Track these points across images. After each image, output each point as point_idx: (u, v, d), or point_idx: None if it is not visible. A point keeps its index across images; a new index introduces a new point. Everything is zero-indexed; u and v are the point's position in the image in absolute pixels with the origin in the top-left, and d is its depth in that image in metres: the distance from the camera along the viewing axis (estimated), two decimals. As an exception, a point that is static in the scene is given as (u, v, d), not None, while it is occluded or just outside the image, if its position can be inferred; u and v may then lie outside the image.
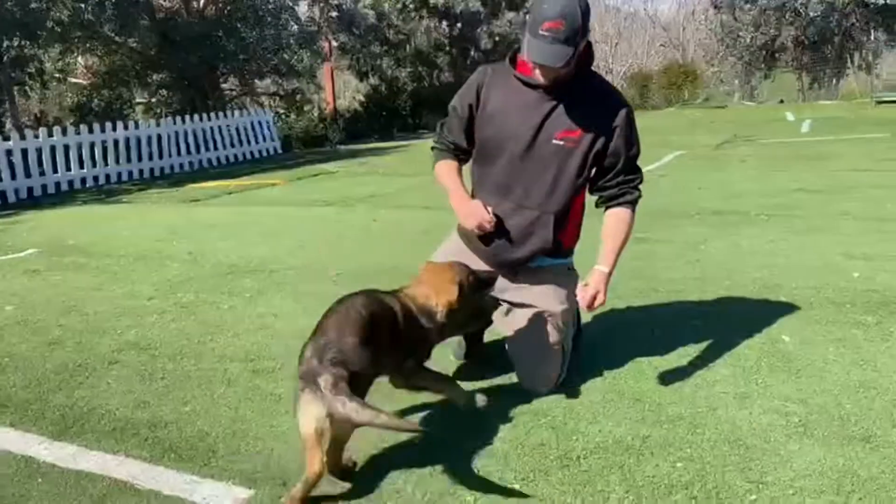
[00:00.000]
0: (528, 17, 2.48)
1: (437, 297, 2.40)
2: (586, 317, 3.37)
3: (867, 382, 2.72)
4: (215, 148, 13.81)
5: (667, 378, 2.84)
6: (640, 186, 2.75)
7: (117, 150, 11.97)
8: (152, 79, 17.63)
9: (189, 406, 2.83)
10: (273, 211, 7.93)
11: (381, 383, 2.36)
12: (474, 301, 2.53)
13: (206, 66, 16.34)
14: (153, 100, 18.18)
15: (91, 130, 11.68)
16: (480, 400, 2.34)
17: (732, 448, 2.31)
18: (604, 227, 2.73)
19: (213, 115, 13.99)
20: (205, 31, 15.98)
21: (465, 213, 2.70)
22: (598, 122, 2.63)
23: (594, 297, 2.56)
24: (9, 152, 10.41)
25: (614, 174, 2.69)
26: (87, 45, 16.05)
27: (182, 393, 2.96)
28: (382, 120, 20.16)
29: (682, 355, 3.07)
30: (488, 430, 2.47)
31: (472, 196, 2.80)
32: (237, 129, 14.35)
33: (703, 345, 3.17)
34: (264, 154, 14.78)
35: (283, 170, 12.08)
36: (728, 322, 3.46)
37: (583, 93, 2.63)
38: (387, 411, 2.06)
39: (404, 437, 2.46)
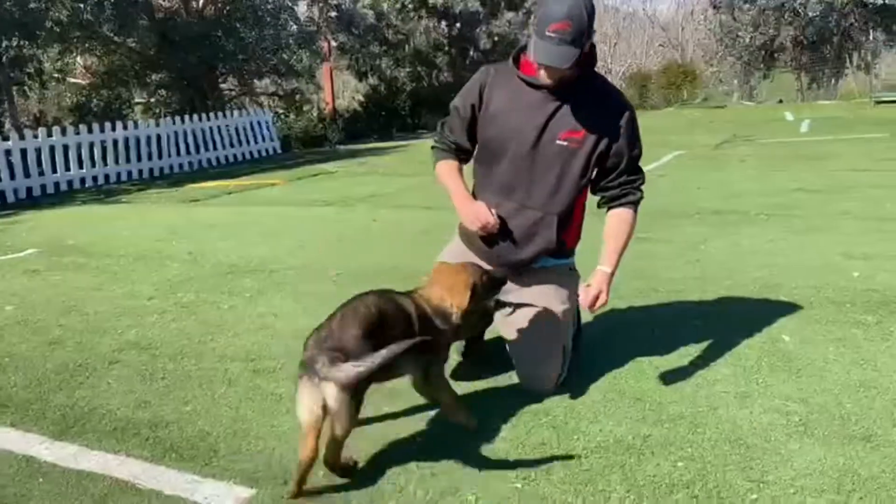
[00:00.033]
0: (533, 18, 2.48)
1: (452, 298, 2.40)
2: (587, 316, 3.37)
3: (867, 382, 2.73)
4: (214, 148, 13.81)
5: (667, 377, 2.85)
6: (642, 187, 2.76)
7: (116, 151, 11.96)
8: (151, 79, 17.61)
9: (190, 406, 2.83)
10: (273, 211, 7.93)
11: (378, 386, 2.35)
12: (486, 301, 2.54)
13: (205, 66, 16.33)
14: (152, 100, 18.16)
15: (90, 130, 11.67)
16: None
17: (733, 447, 2.31)
18: (606, 227, 2.73)
19: (212, 115, 13.99)
20: (204, 31, 15.97)
21: (469, 214, 2.69)
22: (602, 122, 2.63)
23: (596, 298, 2.56)
24: (8, 152, 10.41)
25: (617, 175, 2.70)
26: (86, 45, 16.03)
27: (183, 393, 2.96)
28: (381, 120, 20.15)
29: (682, 355, 3.08)
30: (489, 430, 2.47)
31: (474, 196, 2.80)
32: (236, 129, 14.35)
33: (704, 344, 3.17)
34: (263, 154, 14.78)
35: (283, 170, 12.08)
36: (728, 321, 3.46)
37: (586, 93, 2.63)
38: (382, 351, 2.06)
39: (405, 434, 2.47)
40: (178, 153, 13.09)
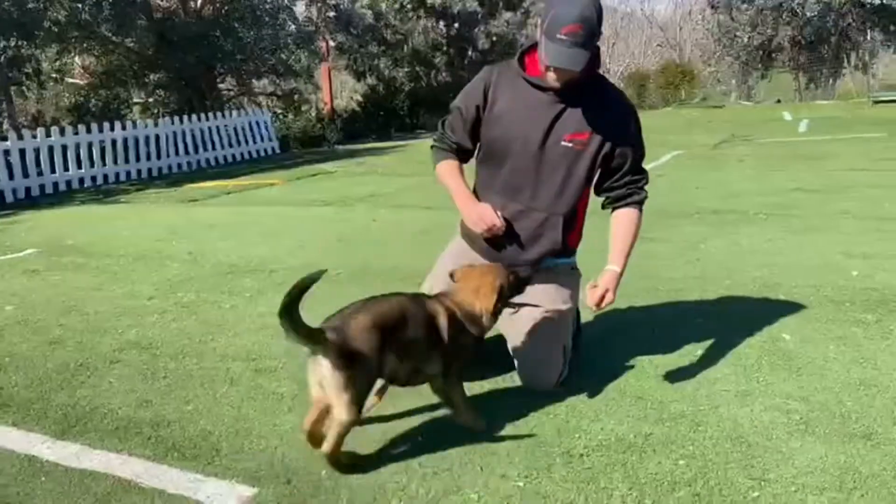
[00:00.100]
0: (537, 18, 2.47)
1: (479, 300, 2.42)
2: (587, 316, 3.38)
3: (868, 380, 2.74)
4: (213, 148, 13.80)
5: (668, 376, 2.85)
6: (646, 187, 2.76)
7: (115, 151, 11.94)
8: (150, 79, 17.58)
9: (192, 405, 2.83)
10: (272, 211, 7.93)
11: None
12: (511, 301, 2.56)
13: (203, 66, 16.31)
14: (150, 100, 18.13)
15: (88, 130, 11.65)
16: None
17: (734, 445, 2.32)
18: (613, 227, 2.73)
19: (210, 115, 13.97)
20: (202, 31, 15.96)
21: (473, 216, 2.68)
22: (606, 123, 2.64)
23: (602, 297, 2.56)
24: (6, 152, 10.39)
25: (621, 175, 2.70)
26: (85, 45, 16.01)
27: (184, 392, 2.96)
28: (380, 120, 20.14)
29: (683, 354, 3.09)
30: (491, 429, 2.48)
31: (476, 196, 2.79)
32: (235, 129, 14.34)
33: (704, 343, 3.18)
34: (262, 154, 14.77)
35: (282, 170, 12.07)
36: (729, 321, 3.47)
37: (590, 95, 2.63)
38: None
39: (407, 433, 2.48)
40: (177, 153, 13.08)
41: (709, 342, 3.19)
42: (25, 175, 10.57)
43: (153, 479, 2.28)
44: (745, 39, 24.55)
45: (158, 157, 12.71)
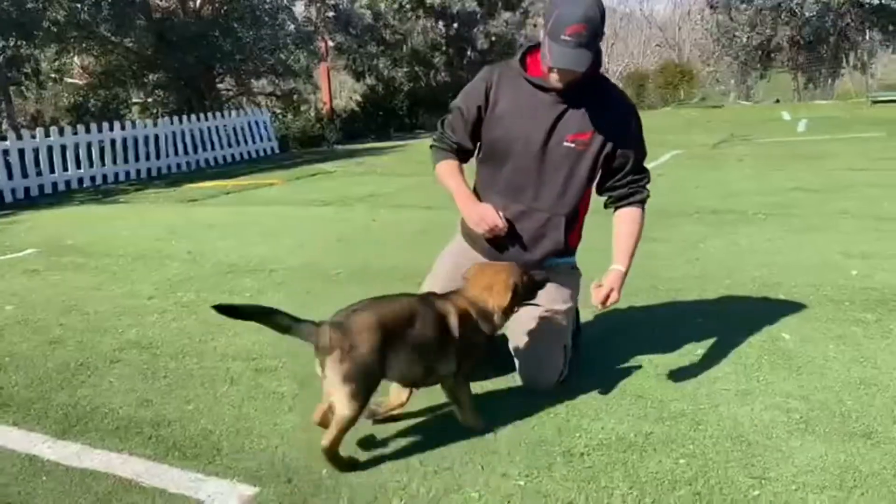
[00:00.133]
0: (547, 20, 2.45)
1: (492, 297, 2.42)
2: (588, 316, 3.39)
3: (867, 379, 2.74)
4: (212, 148, 13.79)
5: (668, 375, 2.86)
6: (648, 185, 2.77)
7: (114, 151, 11.93)
8: (149, 79, 17.57)
9: (192, 404, 2.83)
10: (271, 211, 7.93)
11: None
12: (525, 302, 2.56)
13: (202, 66, 16.30)
14: (150, 100, 18.12)
15: (88, 130, 11.64)
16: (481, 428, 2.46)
17: (735, 444, 2.32)
18: (616, 227, 2.73)
19: (209, 115, 13.96)
20: (201, 31, 15.94)
21: (474, 216, 2.68)
22: (607, 123, 2.64)
23: (607, 296, 2.57)
24: (5, 152, 10.37)
25: (623, 174, 2.71)
26: (84, 45, 15.99)
27: (185, 391, 2.96)
28: (379, 120, 20.14)
29: (683, 353, 3.09)
30: (492, 428, 2.48)
31: (476, 196, 2.79)
32: (234, 129, 14.33)
33: (704, 342, 3.18)
34: (261, 154, 14.77)
35: (281, 170, 12.07)
36: (728, 320, 3.48)
37: (591, 95, 2.63)
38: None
39: (408, 432, 2.48)
40: (176, 153, 13.07)
41: (709, 341, 3.19)
42: (24, 175, 10.56)
43: (154, 479, 2.28)
44: (744, 39, 24.56)
45: (158, 157, 12.70)
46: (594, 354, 3.10)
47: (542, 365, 2.75)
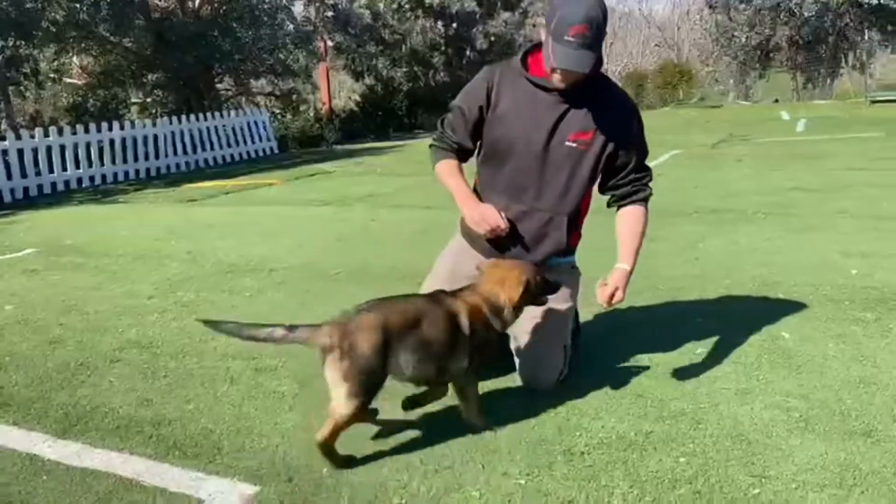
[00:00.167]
0: (550, 21, 2.44)
1: (504, 291, 2.43)
2: (587, 315, 3.40)
3: (867, 378, 2.75)
4: (211, 148, 13.79)
5: (668, 374, 2.86)
6: (651, 184, 2.77)
7: (113, 151, 11.93)
8: (148, 79, 17.58)
9: (192, 404, 2.83)
10: (271, 210, 7.93)
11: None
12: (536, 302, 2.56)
13: (201, 66, 16.30)
14: (149, 100, 18.12)
15: (87, 130, 11.64)
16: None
17: (735, 443, 2.33)
18: (620, 225, 2.73)
19: (208, 115, 13.96)
20: (200, 31, 15.94)
21: (475, 216, 2.67)
22: (609, 123, 2.64)
23: (612, 295, 2.57)
24: (4, 152, 10.37)
25: (626, 173, 2.71)
26: (83, 45, 15.99)
27: (185, 391, 2.96)
28: (378, 120, 20.14)
29: (683, 352, 3.10)
30: (492, 427, 2.48)
31: (477, 195, 2.78)
32: (233, 129, 14.33)
33: (704, 342, 3.19)
34: (260, 154, 14.77)
35: (280, 170, 12.07)
36: (728, 319, 3.48)
37: (592, 94, 2.63)
38: None
39: (408, 431, 2.48)
40: (175, 153, 13.07)
41: (708, 340, 3.20)
42: (24, 175, 10.55)
43: (154, 478, 2.28)
44: (743, 39, 24.58)
45: (157, 157, 12.70)
46: (594, 354, 3.10)
47: (542, 364, 2.75)
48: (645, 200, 2.75)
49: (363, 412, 2.24)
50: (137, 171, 12.28)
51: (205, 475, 2.29)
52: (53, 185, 10.94)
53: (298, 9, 19.39)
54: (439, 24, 21.99)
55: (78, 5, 13.95)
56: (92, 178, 11.54)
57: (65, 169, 11.16)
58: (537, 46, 2.65)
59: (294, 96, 19.66)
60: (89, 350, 3.51)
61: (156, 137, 12.71)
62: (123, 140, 12.12)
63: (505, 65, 2.73)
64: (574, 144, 2.63)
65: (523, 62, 2.68)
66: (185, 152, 13.23)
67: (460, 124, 2.76)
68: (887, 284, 3.86)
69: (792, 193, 6.82)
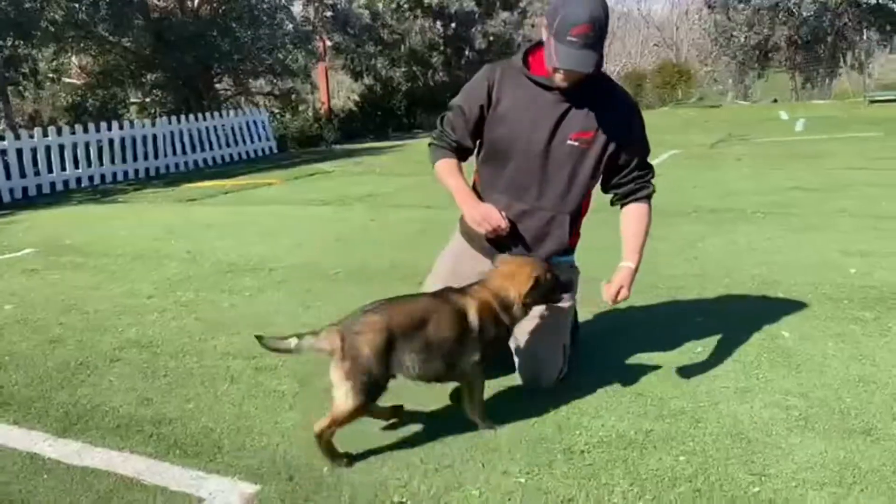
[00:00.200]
0: (552, 21, 2.43)
1: (513, 286, 2.43)
2: (587, 314, 3.40)
3: (866, 377, 2.75)
4: (210, 148, 13.78)
5: (668, 373, 2.86)
6: (653, 181, 2.77)
7: (112, 150, 11.92)
8: (147, 78, 17.57)
9: (192, 403, 2.83)
10: (270, 210, 7.93)
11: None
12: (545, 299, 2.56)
13: (200, 66, 16.30)
14: (148, 99, 18.12)
15: (86, 130, 11.63)
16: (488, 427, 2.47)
17: (734, 441, 2.33)
18: (623, 223, 2.72)
19: (208, 114, 13.96)
20: (199, 31, 15.94)
21: (476, 216, 2.65)
22: (610, 122, 2.63)
23: (618, 293, 2.57)
24: (3, 152, 10.37)
25: (628, 171, 2.70)
26: (82, 44, 16.00)
27: (185, 390, 2.96)
28: (377, 119, 20.14)
29: (683, 351, 3.10)
30: (492, 425, 2.48)
31: (478, 195, 2.78)
32: (232, 129, 14.32)
33: (704, 340, 3.19)
34: (260, 154, 14.76)
35: (279, 169, 12.06)
36: (728, 318, 3.48)
37: (593, 93, 2.62)
38: None
39: (409, 430, 2.48)
40: (174, 153, 13.06)
41: (708, 339, 3.20)
42: (23, 175, 10.54)
43: (155, 477, 2.28)
44: (742, 39, 24.58)
45: (156, 156, 12.69)
46: (594, 353, 3.10)
47: (542, 363, 2.75)
48: (648, 198, 2.74)
49: (363, 411, 2.25)
50: (136, 171, 12.28)
51: (205, 474, 2.29)
52: (52, 185, 10.93)
53: (297, 9, 19.42)
54: (438, 23, 21.99)
55: (77, 5, 13.95)
56: (91, 178, 11.54)
57: (64, 169, 11.16)
58: (538, 45, 2.64)
59: (293, 96, 19.67)
60: (89, 349, 3.51)
61: (155, 137, 12.70)
62: (122, 140, 12.11)
63: (506, 64, 2.72)
64: (575, 143, 2.62)
65: (524, 61, 2.67)
66: (184, 152, 13.23)
67: (460, 123, 2.75)
68: (886, 283, 3.87)
69: (791, 193, 6.83)
